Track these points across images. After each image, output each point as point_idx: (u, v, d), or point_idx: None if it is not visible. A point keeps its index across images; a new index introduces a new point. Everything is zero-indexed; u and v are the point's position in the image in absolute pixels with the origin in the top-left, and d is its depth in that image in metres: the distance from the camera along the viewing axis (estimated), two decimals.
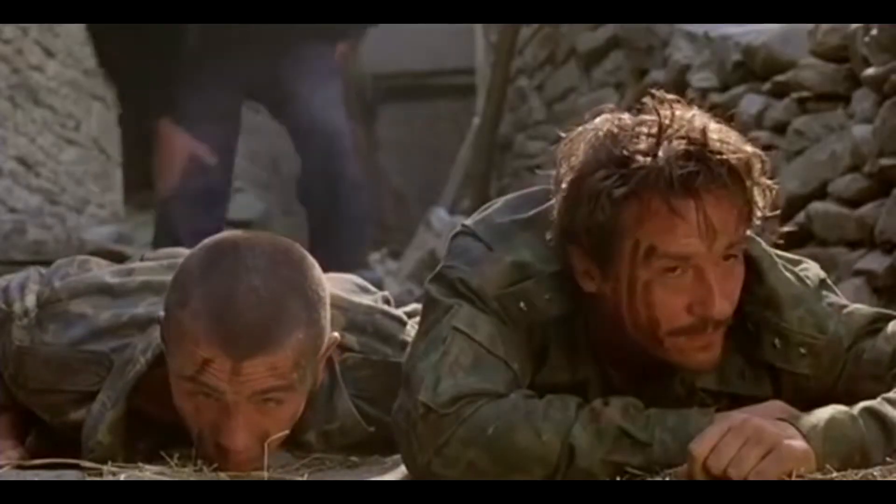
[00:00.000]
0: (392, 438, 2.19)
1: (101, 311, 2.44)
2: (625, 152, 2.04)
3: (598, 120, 2.11)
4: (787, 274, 2.19)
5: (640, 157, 2.03)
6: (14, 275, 2.61)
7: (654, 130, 2.05)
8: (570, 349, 2.18)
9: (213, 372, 2.19)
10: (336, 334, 2.33)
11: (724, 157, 2.03)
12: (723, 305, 2.06)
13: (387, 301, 2.59)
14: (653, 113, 2.07)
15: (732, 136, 2.07)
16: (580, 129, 2.12)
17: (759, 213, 2.10)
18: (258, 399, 2.22)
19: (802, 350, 2.17)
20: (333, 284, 2.49)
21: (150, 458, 2.34)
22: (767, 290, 2.17)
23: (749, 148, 2.07)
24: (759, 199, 2.09)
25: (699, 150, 2.03)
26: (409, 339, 2.41)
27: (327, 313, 2.29)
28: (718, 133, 2.05)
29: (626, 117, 2.10)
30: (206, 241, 2.32)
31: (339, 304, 2.43)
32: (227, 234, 2.38)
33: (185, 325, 2.21)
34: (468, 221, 2.26)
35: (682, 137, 2.04)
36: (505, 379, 2.12)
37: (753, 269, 2.16)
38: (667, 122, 2.05)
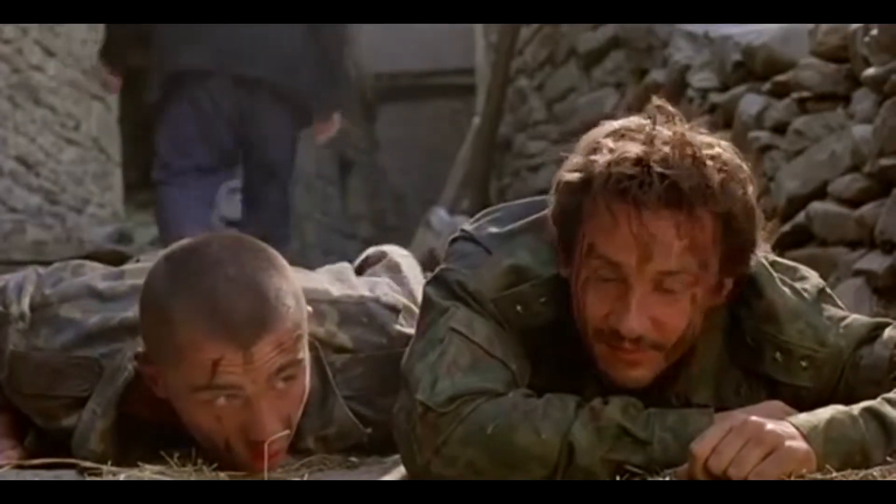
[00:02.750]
0: (391, 438, 2.19)
1: (90, 315, 2.43)
2: (596, 146, 2.06)
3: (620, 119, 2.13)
4: (785, 287, 2.18)
5: (604, 152, 2.05)
6: (13, 274, 2.60)
7: (638, 136, 2.06)
8: (565, 353, 2.18)
9: (226, 369, 2.19)
10: (310, 308, 2.33)
11: (670, 173, 2.01)
12: (632, 324, 2.03)
13: (390, 287, 2.58)
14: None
15: (708, 164, 2.02)
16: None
17: (735, 258, 2.07)
18: (274, 381, 2.22)
19: (804, 363, 2.16)
20: (315, 278, 2.50)
21: (145, 461, 2.32)
22: (766, 305, 2.16)
23: (723, 185, 2.02)
24: (731, 238, 2.05)
25: (646, 160, 2.02)
26: (403, 329, 2.41)
27: (296, 282, 2.30)
28: (690, 153, 2.02)
29: (637, 120, 2.10)
30: (160, 258, 2.32)
31: (327, 299, 2.44)
32: (174, 246, 2.37)
33: (180, 337, 2.20)
34: (467, 226, 2.27)
35: (645, 145, 2.04)
36: (503, 379, 2.12)
37: (751, 284, 2.16)
38: (651, 130, 2.06)
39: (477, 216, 2.31)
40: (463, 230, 2.26)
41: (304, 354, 2.27)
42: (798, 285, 2.20)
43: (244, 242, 2.31)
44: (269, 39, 5.28)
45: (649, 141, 2.04)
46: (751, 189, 2.08)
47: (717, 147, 2.07)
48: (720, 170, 2.04)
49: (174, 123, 5.43)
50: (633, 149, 2.03)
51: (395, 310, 2.49)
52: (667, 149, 2.03)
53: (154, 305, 2.25)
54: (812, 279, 2.23)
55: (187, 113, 5.41)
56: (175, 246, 2.35)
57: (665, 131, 2.06)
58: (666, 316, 2.06)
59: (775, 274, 2.19)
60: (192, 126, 5.40)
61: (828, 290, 2.25)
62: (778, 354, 2.16)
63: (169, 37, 5.29)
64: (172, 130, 5.44)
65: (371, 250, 2.92)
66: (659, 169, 2.01)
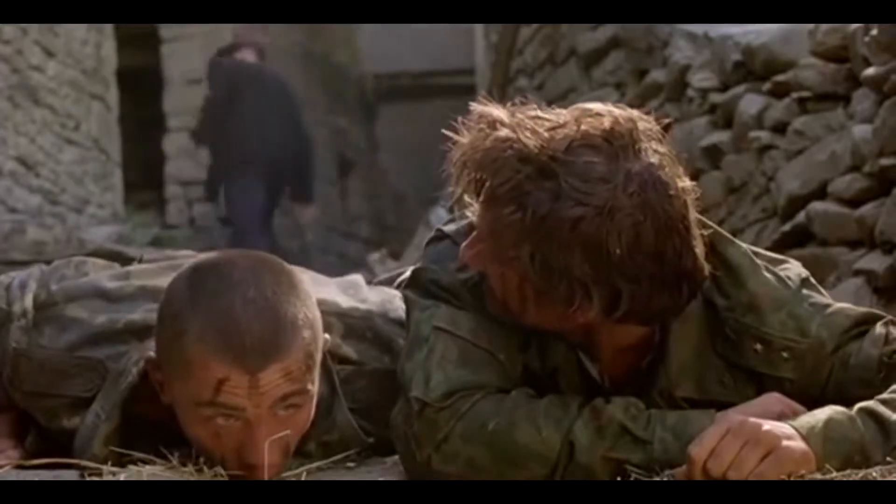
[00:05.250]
0: (391, 445, 2.19)
1: (96, 316, 2.42)
2: None
3: None
4: (769, 275, 2.16)
5: None
6: (17, 272, 2.59)
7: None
8: (542, 335, 2.17)
9: (231, 390, 2.16)
10: (327, 336, 2.32)
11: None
12: None
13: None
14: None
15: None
16: None
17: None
18: (277, 408, 2.19)
19: (785, 354, 2.14)
20: (325, 289, 2.48)
21: (147, 463, 2.32)
22: (748, 296, 2.14)
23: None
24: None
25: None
26: None
27: (317, 310, 2.29)
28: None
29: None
30: (182, 270, 2.30)
31: (335, 311, 2.42)
32: (199, 258, 2.35)
33: (191, 351, 2.18)
34: (440, 225, 2.28)
35: None
36: (494, 370, 2.13)
37: (733, 276, 2.15)
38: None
39: (452, 215, 2.31)
40: (438, 230, 2.28)
41: (313, 386, 2.24)
42: (782, 273, 2.18)
43: (269, 264, 2.27)
44: (276, 144, 9.03)
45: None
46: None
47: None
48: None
49: (235, 204, 9.41)
50: None
51: (403, 324, 2.46)
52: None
53: (170, 316, 2.23)
54: (794, 268, 2.22)
55: (240, 196, 9.26)
56: (203, 258, 2.34)
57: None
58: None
59: (759, 262, 2.18)
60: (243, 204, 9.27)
61: (811, 279, 2.23)
62: (758, 346, 2.14)
63: (221, 148, 9.32)
64: (235, 209, 9.46)
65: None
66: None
